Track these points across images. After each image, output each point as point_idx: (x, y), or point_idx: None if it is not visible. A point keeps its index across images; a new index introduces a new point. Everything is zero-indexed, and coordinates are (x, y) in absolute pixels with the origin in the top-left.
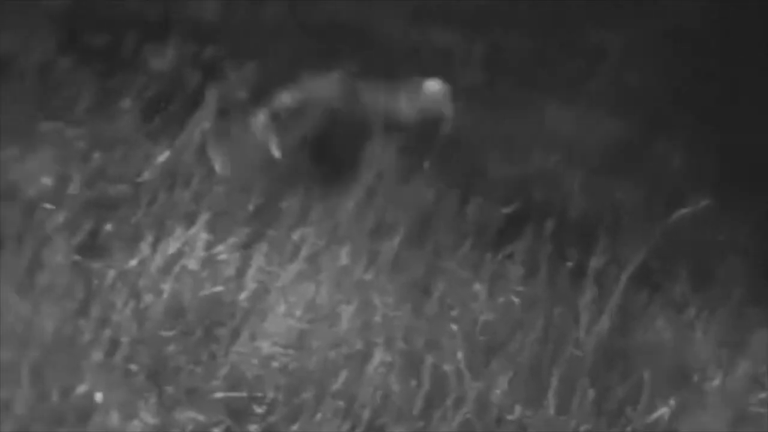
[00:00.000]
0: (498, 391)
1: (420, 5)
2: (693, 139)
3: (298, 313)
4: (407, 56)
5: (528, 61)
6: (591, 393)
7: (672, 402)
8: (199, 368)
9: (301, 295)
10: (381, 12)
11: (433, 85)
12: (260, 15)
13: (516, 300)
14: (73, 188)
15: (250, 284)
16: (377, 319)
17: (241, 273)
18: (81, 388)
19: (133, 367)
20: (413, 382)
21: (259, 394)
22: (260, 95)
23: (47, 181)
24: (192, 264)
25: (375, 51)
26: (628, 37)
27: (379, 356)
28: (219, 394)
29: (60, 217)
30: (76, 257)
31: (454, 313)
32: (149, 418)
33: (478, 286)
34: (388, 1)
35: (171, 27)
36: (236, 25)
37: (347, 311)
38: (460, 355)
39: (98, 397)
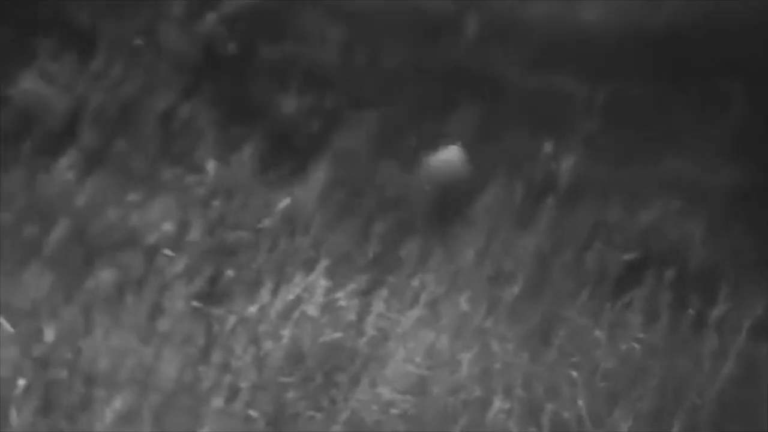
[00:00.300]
0: None
1: (541, 51)
2: None
3: (417, 359)
4: (527, 102)
5: (648, 108)
6: None
7: None
8: (319, 414)
9: (421, 342)
10: (502, 58)
11: (450, 152)
12: (380, 61)
13: (637, 347)
14: (194, 235)
15: (370, 330)
16: (497, 366)
17: (360, 319)
18: None
19: (253, 413)
20: (533, 429)
21: None
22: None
23: (168, 227)
24: (312, 310)
25: (495, 97)
26: (748, 83)
27: (498, 403)
28: None
29: (180, 264)
30: (197, 303)
31: (574, 359)
32: None
33: (598, 333)
34: (509, 47)
35: (291, 75)
36: (356, 72)
37: (467, 358)
38: (580, 402)
39: None
